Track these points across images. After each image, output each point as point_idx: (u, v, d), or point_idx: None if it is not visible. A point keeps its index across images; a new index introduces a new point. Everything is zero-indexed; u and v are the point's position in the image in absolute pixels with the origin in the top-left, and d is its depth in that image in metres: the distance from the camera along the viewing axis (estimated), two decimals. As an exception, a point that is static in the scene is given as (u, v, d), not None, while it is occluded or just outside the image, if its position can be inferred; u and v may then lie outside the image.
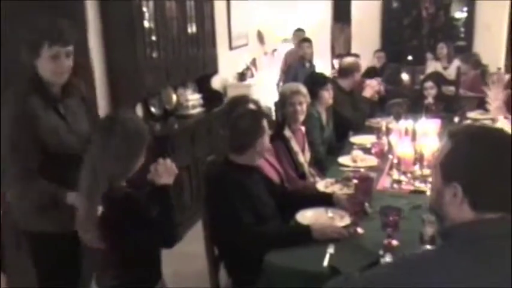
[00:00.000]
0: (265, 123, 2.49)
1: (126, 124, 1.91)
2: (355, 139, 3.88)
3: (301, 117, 3.44)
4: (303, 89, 3.45)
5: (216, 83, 5.79)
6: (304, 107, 3.42)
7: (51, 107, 2.22)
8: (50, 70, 2.17)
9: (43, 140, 2.17)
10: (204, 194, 2.51)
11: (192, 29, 4.80)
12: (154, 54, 4.16)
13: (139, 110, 4.23)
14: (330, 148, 3.96)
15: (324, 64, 7.11)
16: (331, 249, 2.19)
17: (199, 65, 4.97)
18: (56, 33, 2.13)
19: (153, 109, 4.48)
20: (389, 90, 5.25)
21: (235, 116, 2.46)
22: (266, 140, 2.51)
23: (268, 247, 2.23)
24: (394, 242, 2.18)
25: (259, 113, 2.57)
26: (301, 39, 6.27)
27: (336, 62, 6.73)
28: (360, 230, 2.36)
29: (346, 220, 2.42)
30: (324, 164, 3.69)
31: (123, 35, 3.86)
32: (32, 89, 2.18)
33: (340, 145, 3.93)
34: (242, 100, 2.66)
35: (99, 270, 2.02)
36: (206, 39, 5.08)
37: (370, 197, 2.66)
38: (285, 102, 3.40)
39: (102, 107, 3.91)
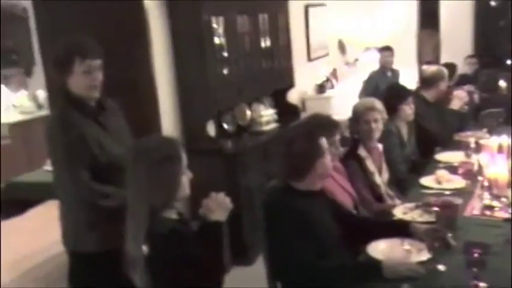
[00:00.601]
0: (323, 141, 2.26)
1: (150, 150, 1.79)
2: (441, 156, 3.50)
3: (377, 135, 3.16)
4: (379, 105, 3.17)
5: (293, 96, 5.61)
6: (380, 124, 3.14)
7: (91, 120, 2.24)
8: (83, 85, 2.20)
9: (92, 153, 2.18)
10: (263, 225, 2.32)
11: (265, 42, 4.66)
12: (226, 71, 4.07)
13: (211, 127, 4.14)
14: (412, 166, 3.62)
15: (409, 73, 6.67)
16: (405, 289, 1.92)
17: (274, 79, 4.82)
18: (85, 48, 2.18)
19: (226, 125, 4.39)
20: (484, 99, 4.75)
21: (287, 139, 2.26)
22: (327, 160, 2.27)
23: (332, 285, 2.01)
24: (482, 285, 1.87)
25: (315, 131, 2.33)
26: (382, 48, 5.91)
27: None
28: (440, 267, 2.05)
29: (425, 254, 2.12)
30: (405, 184, 3.36)
31: (193, 52, 3.81)
32: (69, 104, 2.21)
33: (425, 162, 3.58)
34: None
35: None
36: (281, 52, 4.92)
37: (454, 227, 2.33)
38: (358, 119, 3.13)
39: (173, 125, 3.87)
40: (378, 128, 3.12)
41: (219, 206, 1.84)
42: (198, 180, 3.91)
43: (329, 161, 2.30)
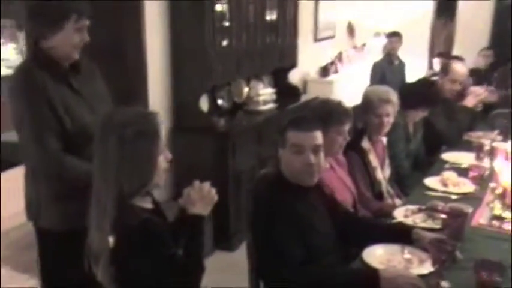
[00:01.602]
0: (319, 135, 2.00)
1: (124, 122, 1.51)
2: (449, 156, 3.24)
3: (386, 130, 2.88)
4: (394, 97, 2.85)
5: (295, 76, 5.32)
6: (392, 118, 2.85)
7: (61, 82, 1.98)
8: (70, 43, 1.97)
9: (59, 118, 1.93)
10: (249, 216, 2.07)
11: (271, 15, 4.34)
12: (225, 42, 3.76)
13: (204, 102, 3.86)
14: (416, 163, 3.39)
15: (418, 63, 6.36)
16: (400, 308, 1.68)
17: (276, 57, 4.52)
18: (82, 7, 1.98)
19: (220, 101, 4.11)
20: (503, 96, 4.43)
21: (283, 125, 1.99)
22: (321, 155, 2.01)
23: None
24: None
25: (325, 119, 2.13)
26: (390, 33, 5.58)
27: (437, 62, 5.97)
28: (444, 284, 1.81)
29: (428, 267, 1.88)
30: (407, 181, 3.13)
31: (192, 18, 3.51)
32: (37, 63, 1.97)
33: (430, 160, 3.33)
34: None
35: None
36: (287, 28, 4.60)
37: (462, 238, 2.10)
38: (368, 110, 2.83)
39: (163, 97, 3.60)
40: (389, 122, 2.85)
41: (202, 198, 1.58)
42: (185, 158, 3.70)
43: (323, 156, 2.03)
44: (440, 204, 2.33)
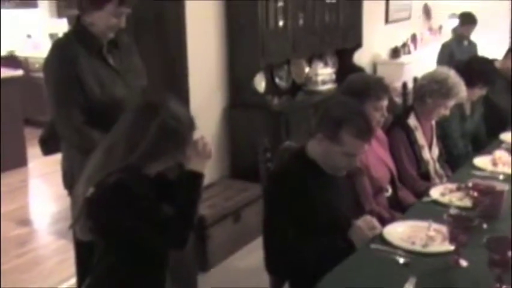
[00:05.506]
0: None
1: (168, 120, 1.52)
2: (507, 136, 3.04)
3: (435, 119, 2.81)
4: (462, 88, 2.74)
5: (365, 58, 5.21)
6: (448, 111, 2.77)
7: (97, 56, 2.08)
8: (106, 24, 2.06)
9: (89, 89, 2.03)
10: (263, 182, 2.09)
11: (331, -4, 4.28)
12: (281, 23, 3.77)
13: (261, 81, 3.90)
14: (475, 143, 3.20)
15: (499, 41, 5.93)
16: (410, 284, 1.62)
17: (338, 37, 4.44)
18: None
19: (278, 81, 4.13)
20: None
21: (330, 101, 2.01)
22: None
23: (310, 268, 1.83)
24: (506, 289, 1.55)
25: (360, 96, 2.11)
26: (462, 16, 5.23)
27: None
28: (462, 263, 1.74)
29: (448, 245, 1.80)
30: (460, 162, 2.97)
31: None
32: (76, 36, 2.08)
33: (491, 141, 3.14)
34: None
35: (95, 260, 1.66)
36: (348, 8, 4.49)
37: (495, 217, 1.98)
38: (424, 95, 2.72)
39: (220, 74, 3.69)
40: (446, 113, 2.76)
41: (197, 154, 1.59)
42: (240, 136, 3.75)
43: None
44: (477, 182, 2.21)
